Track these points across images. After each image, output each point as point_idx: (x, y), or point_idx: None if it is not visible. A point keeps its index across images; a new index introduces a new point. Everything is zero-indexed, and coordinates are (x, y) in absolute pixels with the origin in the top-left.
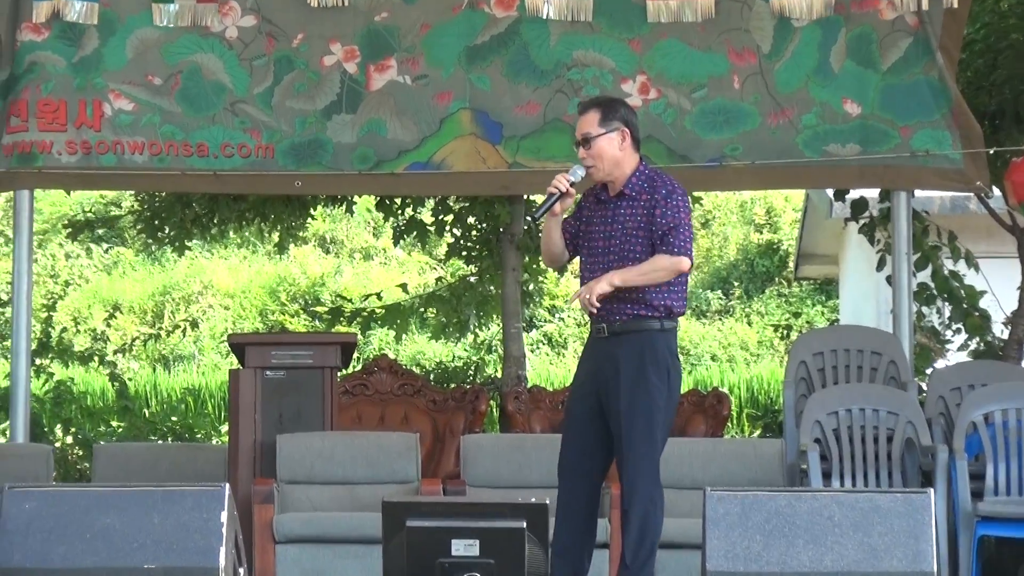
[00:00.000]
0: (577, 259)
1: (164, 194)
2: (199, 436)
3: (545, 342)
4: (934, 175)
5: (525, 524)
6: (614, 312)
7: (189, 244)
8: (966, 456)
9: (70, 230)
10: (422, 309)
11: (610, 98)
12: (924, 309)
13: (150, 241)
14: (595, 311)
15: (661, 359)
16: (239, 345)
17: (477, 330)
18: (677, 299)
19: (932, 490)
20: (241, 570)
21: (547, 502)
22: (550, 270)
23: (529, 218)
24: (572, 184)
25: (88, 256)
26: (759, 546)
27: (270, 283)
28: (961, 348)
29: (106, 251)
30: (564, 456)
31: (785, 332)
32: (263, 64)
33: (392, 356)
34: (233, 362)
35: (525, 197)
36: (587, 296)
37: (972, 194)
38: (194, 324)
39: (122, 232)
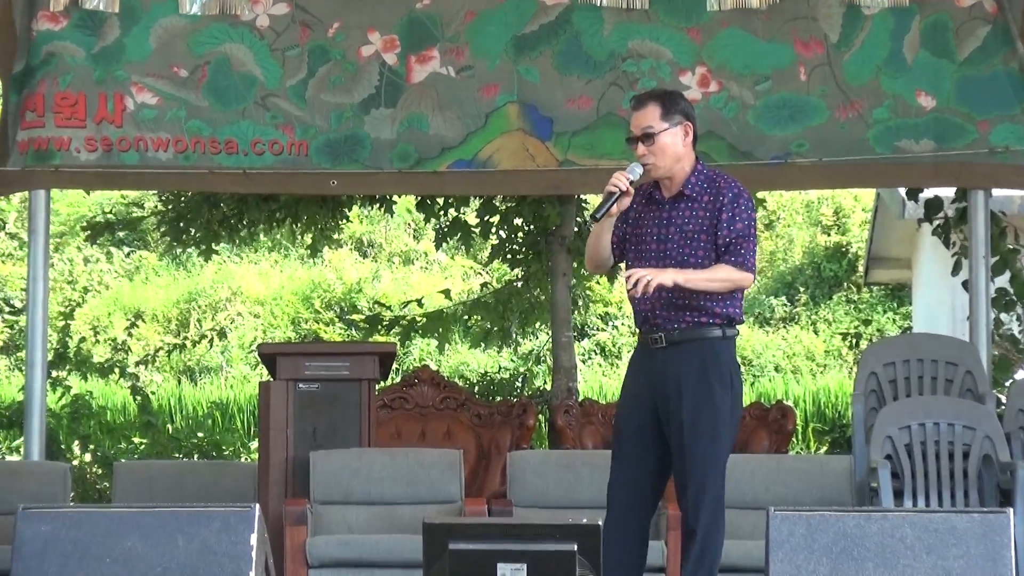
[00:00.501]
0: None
1: (190, 194)
2: (227, 453)
3: (597, 352)
4: (1014, 173)
5: (576, 547)
6: (672, 320)
7: (216, 247)
8: None
9: (89, 233)
10: (466, 317)
11: (667, 90)
12: (1003, 316)
13: (174, 244)
14: (636, 297)
15: (725, 368)
16: (270, 355)
17: (520, 339)
18: (737, 307)
19: (1011, 510)
20: None
21: (599, 523)
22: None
23: (589, 219)
24: (631, 183)
25: (108, 260)
26: (826, 570)
27: (303, 289)
28: None
29: (127, 255)
30: (615, 474)
31: (854, 341)
32: (296, 55)
33: (434, 367)
34: (263, 374)
35: (577, 197)
36: (647, 279)
37: None
38: (222, 333)
39: (144, 235)
